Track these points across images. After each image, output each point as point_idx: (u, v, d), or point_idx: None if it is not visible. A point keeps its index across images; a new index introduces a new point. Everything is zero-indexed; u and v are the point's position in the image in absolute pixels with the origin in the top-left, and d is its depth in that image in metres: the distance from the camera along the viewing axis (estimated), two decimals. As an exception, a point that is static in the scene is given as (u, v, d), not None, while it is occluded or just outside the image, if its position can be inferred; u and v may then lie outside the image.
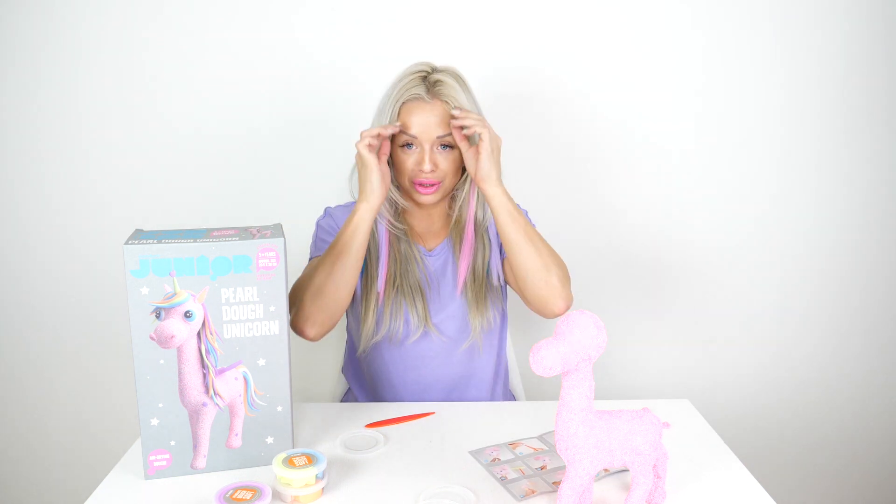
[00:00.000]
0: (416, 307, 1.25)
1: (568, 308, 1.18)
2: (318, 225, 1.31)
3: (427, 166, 1.17)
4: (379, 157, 1.14)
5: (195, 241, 0.92)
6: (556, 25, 1.56)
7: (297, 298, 1.17)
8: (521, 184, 1.35)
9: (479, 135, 1.12)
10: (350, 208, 1.28)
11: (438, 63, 1.22)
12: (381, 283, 1.23)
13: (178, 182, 1.59)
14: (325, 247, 1.26)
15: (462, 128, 1.16)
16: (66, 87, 1.54)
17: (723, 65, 1.59)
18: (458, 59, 1.53)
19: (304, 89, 1.56)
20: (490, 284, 1.28)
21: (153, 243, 0.91)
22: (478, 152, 1.13)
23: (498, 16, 1.55)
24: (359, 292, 1.27)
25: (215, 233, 0.97)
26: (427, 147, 1.17)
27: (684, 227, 1.67)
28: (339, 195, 1.50)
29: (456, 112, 1.14)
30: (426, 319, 1.25)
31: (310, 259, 1.29)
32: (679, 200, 1.66)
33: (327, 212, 1.31)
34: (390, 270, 1.25)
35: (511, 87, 1.57)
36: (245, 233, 0.97)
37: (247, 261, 0.94)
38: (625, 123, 1.61)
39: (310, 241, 1.31)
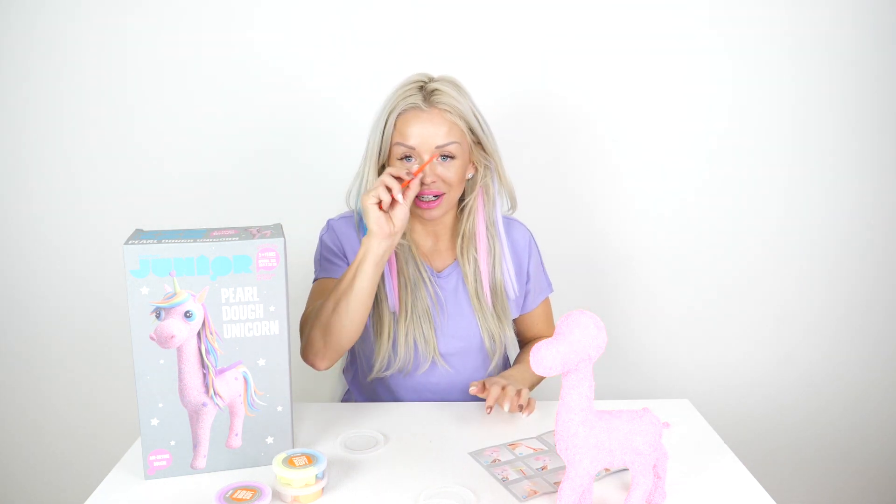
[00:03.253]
0: (423, 336, 1.21)
1: None
2: (320, 240, 1.27)
3: (428, 178, 1.13)
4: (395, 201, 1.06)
5: (195, 241, 0.92)
6: (557, 28, 1.56)
7: (305, 330, 1.16)
8: (524, 184, 1.35)
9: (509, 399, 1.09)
10: (350, 220, 1.25)
11: (436, 73, 1.19)
12: (393, 303, 1.19)
13: (178, 182, 1.59)
14: (329, 266, 1.23)
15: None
16: (66, 88, 1.54)
17: (732, 66, 1.59)
18: (457, 64, 1.54)
19: (304, 89, 1.56)
20: (507, 296, 1.26)
21: (153, 243, 0.91)
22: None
23: (498, 20, 1.55)
24: (368, 321, 1.23)
25: (215, 233, 0.97)
26: (427, 158, 1.13)
27: (685, 227, 1.67)
28: (338, 195, 1.50)
29: (472, 390, 1.12)
30: (434, 350, 1.22)
31: (314, 279, 1.26)
32: (680, 201, 1.65)
33: (329, 225, 1.27)
34: (399, 297, 1.20)
35: (513, 91, 1.57)
36: (245, 233, 0.97)
37: (247, 261, 0.94)
38: (627, 124, 1.61)
39: (313, 248, 1.29)
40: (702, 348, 1.74)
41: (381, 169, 1.19)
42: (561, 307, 1.45)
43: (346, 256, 1.24)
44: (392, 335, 1.20)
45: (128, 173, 1.59)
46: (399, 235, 1.08)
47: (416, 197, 1.15)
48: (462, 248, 1.24)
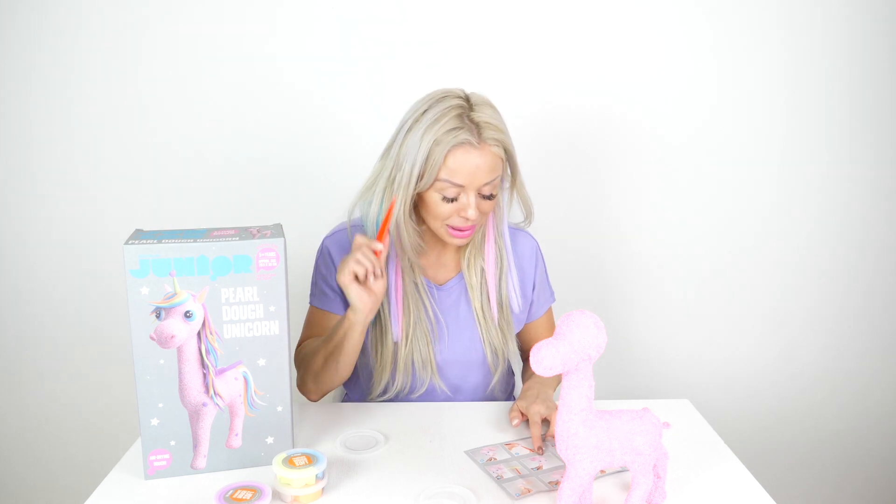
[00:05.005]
0: (420, 355, 1.19)
1: None
2: (316, 266, 1.24)
3: (472, 213, 1.08)
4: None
5: (195, 241, 0.92)
6: (555, 30, 1.56)
7: (299, 368, 1.20)
8: (527, 185, 1.35)
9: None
10: (345, 233, 1.22)
11: (456, 85, 1.14)
12: (397, 333, 1.18)
13: (179, 182, 1.59)
14: (322, 297, 1.22)
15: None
16: (66, 88, 1.54)
17: (729, 68, 1.59)
18: (458, 70, 1.54)
19: (304, 90, 1.56)
20: (511, 309, 1.24)
21: (153, 243, 0.91)
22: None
23: (501, 28, 1.55)
24: (367, 345, 1.21)
25: (215, 233, 0.97)
26: (472, 194, 1.08)
27: (686, 227, 1.67)
28: (338, 195, 1.50)
29: (515, 423, 1.11)
30: (433, 369, 1.21)
31: (310, 304, 1.25)
32: (680, 201, 1.66)
33: (323, 247, 1.23)
34: (402, 329, 1.18)
35: (513, 96, 1.57)
36: (245, 233, 0.97)
37: (247, 261, 0.94)
38: (626, 125, 1.61)
39: (313, 248, 1.28)
40: (702, 348, 1.74)
41: (417, 195, 1.13)
42: (561, 308, 1.45)
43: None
44: (393, 363, 1.19)
45: (128, 173, 1.59)
46: (381, 299, 1.08)
47: (450, 226, 1.13)
48: (469, 259, 1.22)
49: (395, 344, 1.18)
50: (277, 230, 0.99)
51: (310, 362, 1.17)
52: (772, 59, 1.59)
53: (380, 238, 1.06)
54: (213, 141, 1.58)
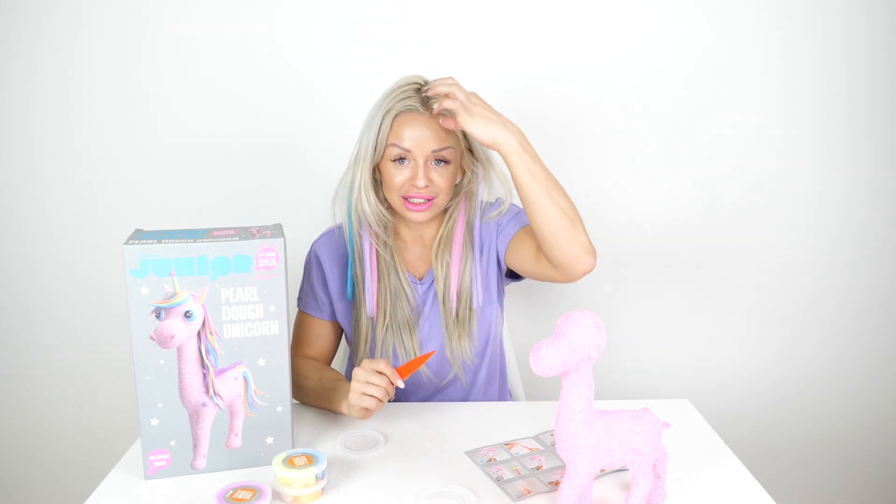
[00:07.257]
0: (404, 346, 1.21)
1: (596, 261, 1.08)
2: (305, 272, 1.26)
3: (421, 182, 1.11)
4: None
5: (195, 241, 0.92)
6: (555, 29, 1.56)
7: (292, 386, 1.18)
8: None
9: (447, 95, 1.02)
10: (332, 235, 1.24)
11: (431, 77, 1.17)
12: (371, 308, 1.19)
13: (179, 182, 1.59)
14: (311, 303, 1.24)
15: (441, 115, 1.08)
16: (66, 88, 1.54)
17: (727, 63, 1.59)
18: (460, 65, 1.54)
19: (304, 90, 1.56)
20: (472, 303, 1.22)
21: (153, 243, 0.91)
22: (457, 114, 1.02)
23: (498, 21, 1.55)
24: (349, 332, 1.24)
25: (215, 233, 0.97)
26: (421, 162, 1.12)
27: (686, 226, 1.67)
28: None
29: (428, 92, 1.08)
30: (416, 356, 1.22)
31: (297, 305, 1.27)
32: (681, 199, 1.65)
33: (312, 255, 1.26)
34: (378, 307, 1.20)
35: (513, 89, 1.57)
36: (245, 233, 0.97)
37: (247, 261, 0.94)
38: (626, 120, 1.61)
39: (307, 241, 1.30)
40: (702, 348, 1.74)
41: (374, 171, 1.17)
42: (561, 307, 1.45)
43: (328, 288, 1.24)
44: (370, 341, 1.20)
45: (128, 173, 1.59)
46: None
47: (405, 198, 1.15)
48: (438, 251, 1.23)
49: (371, 320, 1.20)
50: (277, 230, 0.99)
51: (300, 391, 1.20)
52: (772, 59, 1.59)
53: (402, 375, 1.06)
54: (213, 141, 1.58)
